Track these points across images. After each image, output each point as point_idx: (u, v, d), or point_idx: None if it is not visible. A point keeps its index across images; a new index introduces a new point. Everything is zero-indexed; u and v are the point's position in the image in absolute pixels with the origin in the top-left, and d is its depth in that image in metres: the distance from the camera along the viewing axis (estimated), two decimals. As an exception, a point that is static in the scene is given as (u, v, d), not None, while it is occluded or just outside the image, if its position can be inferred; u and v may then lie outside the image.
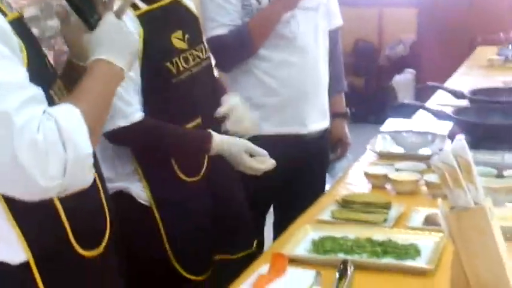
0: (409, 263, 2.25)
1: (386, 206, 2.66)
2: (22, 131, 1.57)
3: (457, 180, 1.98)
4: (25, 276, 1.74)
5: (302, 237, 2.45)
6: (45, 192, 1.63)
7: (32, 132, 1.58)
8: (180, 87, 2.40)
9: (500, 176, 2.90)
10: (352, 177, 3.17)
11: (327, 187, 3.36)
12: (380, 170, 3.05)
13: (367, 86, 8.59)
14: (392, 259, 2.27)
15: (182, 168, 2.41)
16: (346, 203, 2.70)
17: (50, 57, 2.43)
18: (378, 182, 2.98)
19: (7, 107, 1.58)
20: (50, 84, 1.82)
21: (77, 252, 1.82)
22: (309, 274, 2.19)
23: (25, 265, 1.74)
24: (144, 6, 2.42)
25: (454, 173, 1.98)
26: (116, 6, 1.93)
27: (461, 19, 7.78)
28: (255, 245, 2.72)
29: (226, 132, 2.54)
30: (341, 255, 2.27)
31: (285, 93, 3.17)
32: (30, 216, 1.72)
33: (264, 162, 2.56)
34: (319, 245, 2.36)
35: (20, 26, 1.75)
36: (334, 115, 3.51)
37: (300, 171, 3.30)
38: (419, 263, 2.25)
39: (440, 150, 2.24)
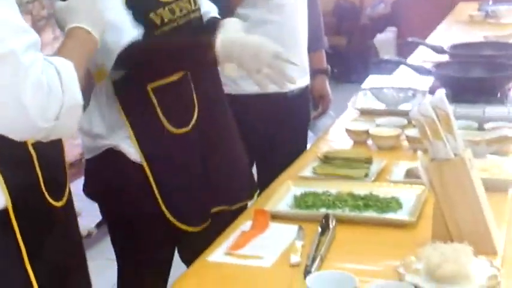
0: (390, 215, 2.26)
1: (368, 161, 2.66)
2: (28, 71, 1.63)
3: (437, 132, 1.99)
4: (3, 222, 1.76)
5: (284, 194, 2.45)
6: (38, 132, 1.70)
7: (37, 73, 1.65)
8: (162, 39, 2.37)
9: (481, 129, 2.90)
10: (333, 134, 3.17)
11: (309, 145, 3.36)
12: (361, 126, 3.05)
13: (349, 46, 8.57)
14: (374, 212, 2.28)
15: (170, 119, 2.38)
16: (327, 159, 2.71)
17: (28, 22, 2.42)
18: (359, 137, 2.98)
19: (15, 47, 1.63)
20: None
21: (47, 201, 1.86)
22: (291, 229, 2.20)
23: (4, 211, 1.76)
24: None
25: (433, 125, 1.98)
26: None
27: (442, -25, 7.74)
28: (255, 196, 2.71)
29: None
30: (323, 210, 2.27)
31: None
32: (10, 163, 1.76)
33: None
34: (301, 201, 2.37)
35: None
36: (315, 72, 3.50)
37: (281, 129, 3.30)
38: (401, 215, 2.26)
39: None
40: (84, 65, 1.86)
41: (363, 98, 3.51)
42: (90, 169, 2.50)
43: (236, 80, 3.06)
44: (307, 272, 1.90)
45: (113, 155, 2.39)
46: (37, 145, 1.81)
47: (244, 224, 2.26)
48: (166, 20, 2.35)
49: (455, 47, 3.96)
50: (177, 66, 2.37)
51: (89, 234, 4.33)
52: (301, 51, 3.30)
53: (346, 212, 2.28)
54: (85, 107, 1.82)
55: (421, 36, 4.61)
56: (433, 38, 4.83)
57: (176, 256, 2.61)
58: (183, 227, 2.42)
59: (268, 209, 2.30)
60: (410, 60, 4.12)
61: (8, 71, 1.62)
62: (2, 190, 1.75)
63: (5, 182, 1.75)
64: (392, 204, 2.30)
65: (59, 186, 1.93)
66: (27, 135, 1.72)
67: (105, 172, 2.45)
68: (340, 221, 2.21)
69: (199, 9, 2.52)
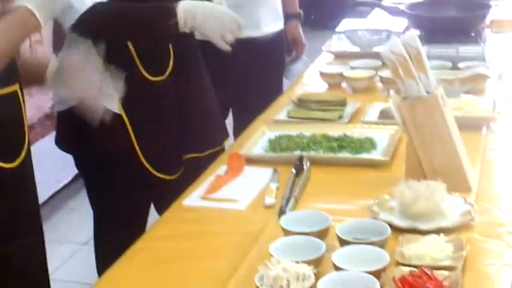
0: (364, 156, 2.26)
1: (342, 103, 2.66)
2: None
3: (408, 71, 1.98)
4: None
5: (259, 138, 2.45)
6: None
7: None
8: (124, 4, 2.34)
9: (455, 68, 2.90)
10: (308, 78, 3.16)
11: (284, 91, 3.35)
12: (335, 69, 3.04)
13: (326, -8, 8.51)
14: (348, 153, 2.28)
15: (147, 68, 2.37)
16: (301, 102, 2.70)
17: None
18: (333, 80, 2.97)
19: None
20: None
21: None
22: (266, 172, 2.20)
23: None
24: None
25: (405, 63, 1.98)
26: None
27: None
28: (225, 143, 2.70)
29: None
30: (297, 153, 2.27)
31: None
32: None
33: None
34: (275, 144, 2.37)
35: None
36: (288, 16, 3.47)
37: (256, 75, 3.28)
38: (375, 155, 2.26)
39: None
40: (10, 48, 1.80)
41: (337, 41, 3.50)
42: (64, 120, 2.48)
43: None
44: (281, 213, 1.90)
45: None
46: None
47: (219, 169, 2.25)
48: None
49: (429, -13, 3.93)
50: (137, 31, 2.34)
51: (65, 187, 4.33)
52: (274, -4, 3.28)
53: (320, 154, 2.28)
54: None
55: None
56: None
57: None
58: (160, 175, 2.41)
59: (242, 153, 2.30)
60: (385, 2, 4.09)
61: None
62: None
63: None
64: (366, 144, 2.30)
65: (11, 148, 1.88)
66: None
67: (80, 121, 2.43)
68: (315, 162, 2.21)
69: None
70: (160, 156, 2.42)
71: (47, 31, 4.26)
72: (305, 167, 2.16)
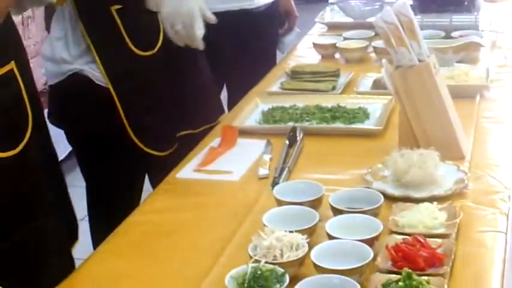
0: (357, 126, 2.26)
1: (335, 74, 2.65)
2: None
3: (400, 39, 1.97)
4: None
5: (252, 110, 2.44)
6: None
7: None
8: None
9: (448, 37, 2.90)
10: (301, 50, 3.16)
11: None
12: (328, 40, 3.03)
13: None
14: (341, 124, 2.27)
15: (136, 42, 2.36)
16: (295, 74, 2.70)
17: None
18: (326, 52, 2.97)
19: None
20: None
21: None
22: (259, 144, 2.19)
23: None
24: None
25: (397, 32, 1.97)
26: None
27: None
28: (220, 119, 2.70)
29: None
30: (290, 124, 2.27)
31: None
32: None
33: None
34: (268, 116, 2.36)
35: None
36: (280, -13, 3.46)
37: (249, 47, 3.27)
38: (368, 125, 2.26)
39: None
40: None
41: (330, 13, 3.50)
42: (55, 95, 2.47)
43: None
44: (274, 184, 1.90)
45: (78, 79, 2.36)
46: None
47: (212, 141, 2.25)
48: None
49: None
50: None
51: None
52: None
53: (314, 125, 2.28)
54: None
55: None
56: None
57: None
58: (149, 151, 2.40)
59: (236, 125, 2.29)
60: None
61: None
62: None
63: None
64: (359, 114, 2.30)
65: (11, 134, 1.79)
66: None
67: (70, 97, 2.42)
68: (308, 133, 2.21)
69: None
70: (150, 132, 2.40)
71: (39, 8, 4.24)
72: (298, 138, 2.16)
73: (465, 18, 3.06)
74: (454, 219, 1.66)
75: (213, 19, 2.35)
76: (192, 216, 1.86)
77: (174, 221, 1.84)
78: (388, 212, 1.70)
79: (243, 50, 3.27)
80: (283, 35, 3.52)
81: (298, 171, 2.02)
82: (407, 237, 1.57)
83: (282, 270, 1.44)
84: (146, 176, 2.60)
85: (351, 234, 1.56)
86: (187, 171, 2.09)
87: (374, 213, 1.66)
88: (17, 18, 2.27)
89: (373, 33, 2.97)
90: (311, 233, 1.60)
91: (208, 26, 2.67)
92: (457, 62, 2.69)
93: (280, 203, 1.74)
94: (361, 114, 2.30)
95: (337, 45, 2.93)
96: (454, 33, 2.92)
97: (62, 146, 2.96)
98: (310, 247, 1.52)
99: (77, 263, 1.81)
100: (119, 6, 2.31)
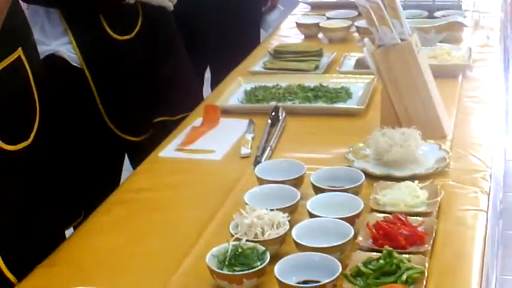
0: (340, 105, 2.26)
1: (318, 54, 2.65)
2: None
3: (382, 18, 1.97)
4: None
5: (235, 89, 2.44)
6: None
7: None
8: None
9: (431, 17, 2.90)
10: (284, 30, 3.15)
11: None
12: (312, 19, 3.03)
13: None
14: (324, 103, 2.27)
15: (113, 26, 2.34)
16: (278, 53, 2.69)
17: None
18: (309, 31, 2.96)
19: None
20: None
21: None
22: (241, 123, 2.19)
23: None
24: None
25: (379, 11, 1.96)
26: None
27: None
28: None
29: None
30: (273, 103, 2.26)
31: None
32: None
33: None
34: (251, 95, 2.36)
35: None
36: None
37: (233, 26, 3.26)
38: (350, 104, 2.26)
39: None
40: None
41: (314, -8, 3.48)
42: None
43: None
44: (256, 163, 1.90)
45: (54, 61, 2.34)
46: None
47: (195, 121, 2.24)
48: None
49: None
50: None
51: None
52: None
53: (296, 104, 2.28)
54: None
55: None
56: None
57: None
58: (122, 135, 2.39)
59: (218, 105, 2.29)
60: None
61: None
62: None
63: None
64: (341, 94, 2.30)
65: (20, 126, 1.71)
66: None
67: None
68: (290, 112, 2.21)
69: None
70: (124, 116, 2.40)
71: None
72: (281, 117, 2.15)
73: (448, -2, 3.07)
74: (435, 198, 1.66)
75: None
76: (174, 194, 1.85)
77: (156, 200, 1.83)
78: (370, 191, 1.70)
79: (226, 29, 3.26)
80: (266, 13, 3.51)
81: (280, 150, 2.02)
82: (388, 215, 1.57)
83: (263, 248, 1.45)
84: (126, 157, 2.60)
85: (332, 212, 1.56)
86: (169, 150, 2.09)
87: (355, 191, 1.66)
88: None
89: (356, 13, 2.97)
90: (292, 211, 1.60)
91: (190, 3, 2.67)
92: (440, 41, 2.69)
93: (261, 181, 1.74)
94: (344, 93, 2.30)
95: (320, 24, 2.92)
96: (437, 13, 2.92)
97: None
98: (291, 225, 1.52)
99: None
100: None
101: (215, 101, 2.33)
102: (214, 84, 3.32)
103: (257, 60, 2.70)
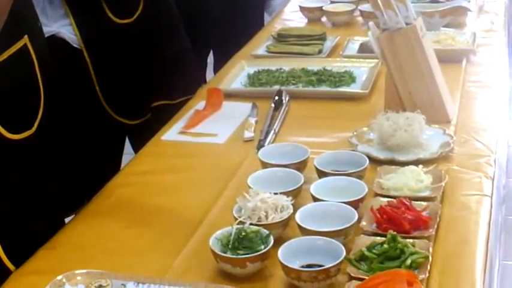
0: (343, 89, 2.25)
1: (321, 37, 2.64)
2: None
3: (387, 1, 1.96)
4: None
5: (238, 73, 2.43)
6: None
7: None
8: None
9: (435, 1, 2.88)
10: (288, 13, 3.14)
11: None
12: (315, 3, 3.01)
13: None
14: (327, 87, 2.26)
15: (113, 9, 2.34)
16: (281, 37, 2.68)
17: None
18: (313, 15, 2.95)
19: None
20: None
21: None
22: (245, 107, 2.18)
23: None
24: None
25: (384, -6, 1.95)
26: None
27: None
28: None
29: None
30: (276, 87, 2.25)
31: None
32: None
33: None
34: (254, 79, 2.35)
35: None
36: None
37: (236, 10, 3.25)
38: (354, 88, 2.25)
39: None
40: None
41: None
42: None
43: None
44: (260, 146, 1.89)
45: (54, 42, 2.33)
46: None
47: (198, 104, 2.24)
48: None
49: None
50: None
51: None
52: None
53: (300, 88, 2.27)
54: None
55: None
56: None
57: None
58: (119, 118, 2.39)
59: (222, 88, 2.28)
60: None
61: None
62: None
63: None
64: (345, 78, 2.29)
65: (24, 114, 1.69)
66: None
67: None
68: (294, 96, 2.20)
69: None
70: (121, 100, 2.39)
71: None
72: (284, 101, 2.15)
73: (453, -18, 3.04)
74: (440, 183, 1.65)
75: None
76: (177, 178, 1.85)
77: (159, 183, 1.83)
78: (373, 175, 1.70)
79: (230, 13, 3.25)
80: (271, -4, 3.50)
81: (283, 134, 2.01)
82: (392, 199, 1.56)
83: (267, 232, 1.44)
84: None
85: (335, 196, 1.55)
86: (172, 133, 2.08)
87: (359, 175, 1.65)
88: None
89: (360, -4, 2.96)
90: (296, 195, 1.59)
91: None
92: (444, 26, 2.68)
93: (265, 165, 1.74)
94: (347, 77, 2.29)
95: (323, 8, 2.91)
96: (441, -3, 2.90)
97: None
98: (295, 209, 1.51)
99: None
100: None
101: (218, 85, 2.32)
102: (217, 68, 3.31)
103: (260, 44, 2.69)
